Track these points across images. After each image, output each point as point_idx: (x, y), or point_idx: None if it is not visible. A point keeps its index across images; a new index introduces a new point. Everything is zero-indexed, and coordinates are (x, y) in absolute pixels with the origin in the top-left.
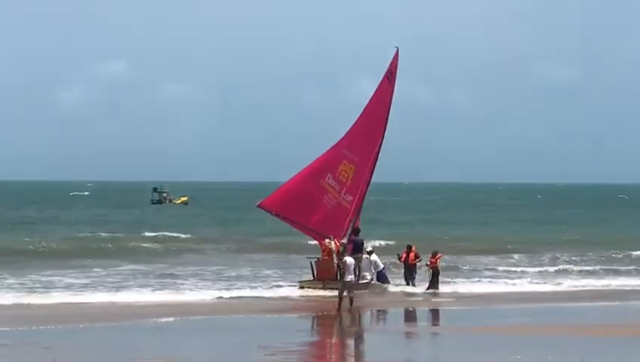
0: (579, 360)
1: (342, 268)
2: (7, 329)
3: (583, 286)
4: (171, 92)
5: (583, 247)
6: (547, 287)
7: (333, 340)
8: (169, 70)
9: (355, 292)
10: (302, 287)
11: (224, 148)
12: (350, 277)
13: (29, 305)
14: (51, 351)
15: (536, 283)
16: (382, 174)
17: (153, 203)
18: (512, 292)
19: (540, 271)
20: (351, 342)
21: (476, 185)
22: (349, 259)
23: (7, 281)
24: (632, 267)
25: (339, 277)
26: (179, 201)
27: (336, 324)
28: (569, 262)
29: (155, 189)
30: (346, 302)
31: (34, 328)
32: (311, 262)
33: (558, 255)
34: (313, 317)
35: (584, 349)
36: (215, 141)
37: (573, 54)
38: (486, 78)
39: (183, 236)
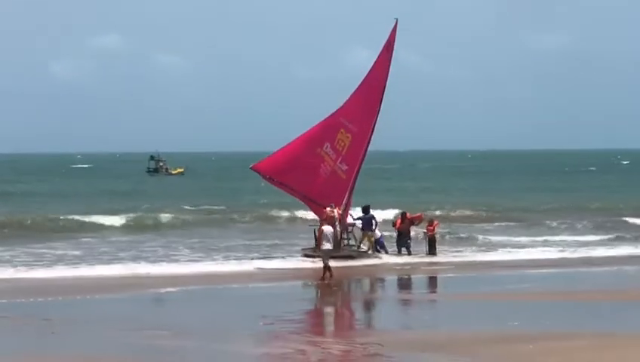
0: (576, 325)
1: (319, 236)
2: (5, 301)
3: (580, 252)
4: (166, 64)
5: (580, 213)
6: (546, 254)
7: (332, 308)
8: (163, 42)
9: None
10: (305, 256)
11: (220, 119)
12: (328, 246)
13: (25, 278)
14: (51, 322)
15: (535, 250)
16: (373, 142)
17: (149, 171)
18: (510, 259)
19: (538, 239)
20: (349, 310)
21: (469, 152)
22: (327, 228)
23: (2, 254)
24: (628, 234)
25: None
26: (175, 172)
27: (335, 292)
28: (568, 229)
29: (152, 157)
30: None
31: (32, 300)
32: (314, 230)
33: (556, 222)
34: (313, 286)
35: (581, 314)
36: (210, 112)
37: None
38: (478, 47)
39: (179, 207)
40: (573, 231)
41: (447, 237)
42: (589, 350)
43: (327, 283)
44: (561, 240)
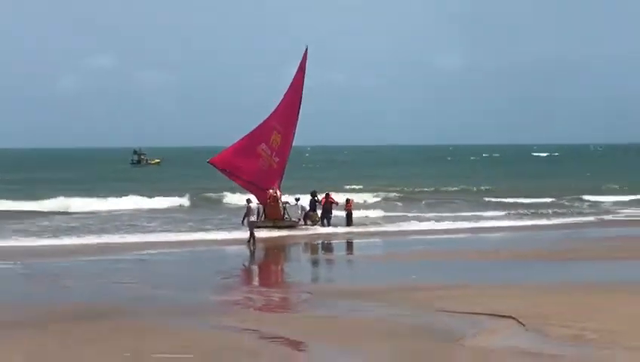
0: (462, 278)
1: (246, 211)
2: (21, 263)
3: (469, 224)
4: (149, 78)
5: (463, 194)
6: (443, 226)
7: (272, 266)
8: (148, 59)
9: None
10: (256, 227)
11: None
12: (253, 218)
13: (34, 246)
14: (59, 277)
15: (432, 223)
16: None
17: (133, 163)
18: (414, 229)
19: (432, 215)
20: (286, 268)
21: (380, 147)
22: (254, 205)
23: (16, 227)
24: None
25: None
26: (153, 162)
27: (275, 254)
28: (454, 206)
29: (135, 151)
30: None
31: (43, 261)
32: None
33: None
34: (259, 250)
35: (463, 269)
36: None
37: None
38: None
39: (154, 191)
40: (462, 207)
41: (365, 213)
42: (473, 296)
43: (252, 248)
44: (451, 216)
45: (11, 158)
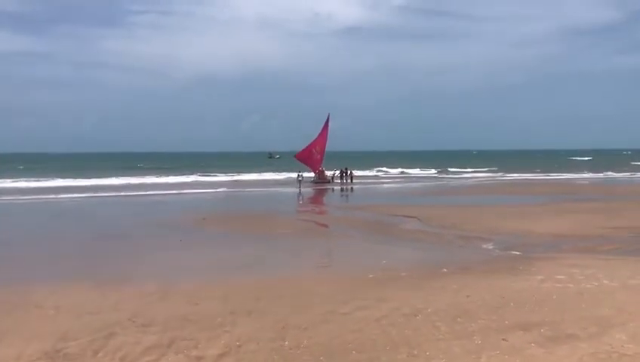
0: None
1: (322, 175)
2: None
3: None
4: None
5: None
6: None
7: (318, 197)
8: None
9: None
10: (312, 182)
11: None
12: (300, 179)
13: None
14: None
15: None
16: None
17: (270, 157)
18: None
19: None
20: (325, 197)
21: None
22: (312, 174)
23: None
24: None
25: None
26: (276, 157)
27: (321, 191)
28: None
29: (270, 155)
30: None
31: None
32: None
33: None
34: (310, 191)
35: (402, 198)
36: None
37: None
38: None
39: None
40: None
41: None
42: (400, 209)
43: (300, 191)
44: None
45: None
